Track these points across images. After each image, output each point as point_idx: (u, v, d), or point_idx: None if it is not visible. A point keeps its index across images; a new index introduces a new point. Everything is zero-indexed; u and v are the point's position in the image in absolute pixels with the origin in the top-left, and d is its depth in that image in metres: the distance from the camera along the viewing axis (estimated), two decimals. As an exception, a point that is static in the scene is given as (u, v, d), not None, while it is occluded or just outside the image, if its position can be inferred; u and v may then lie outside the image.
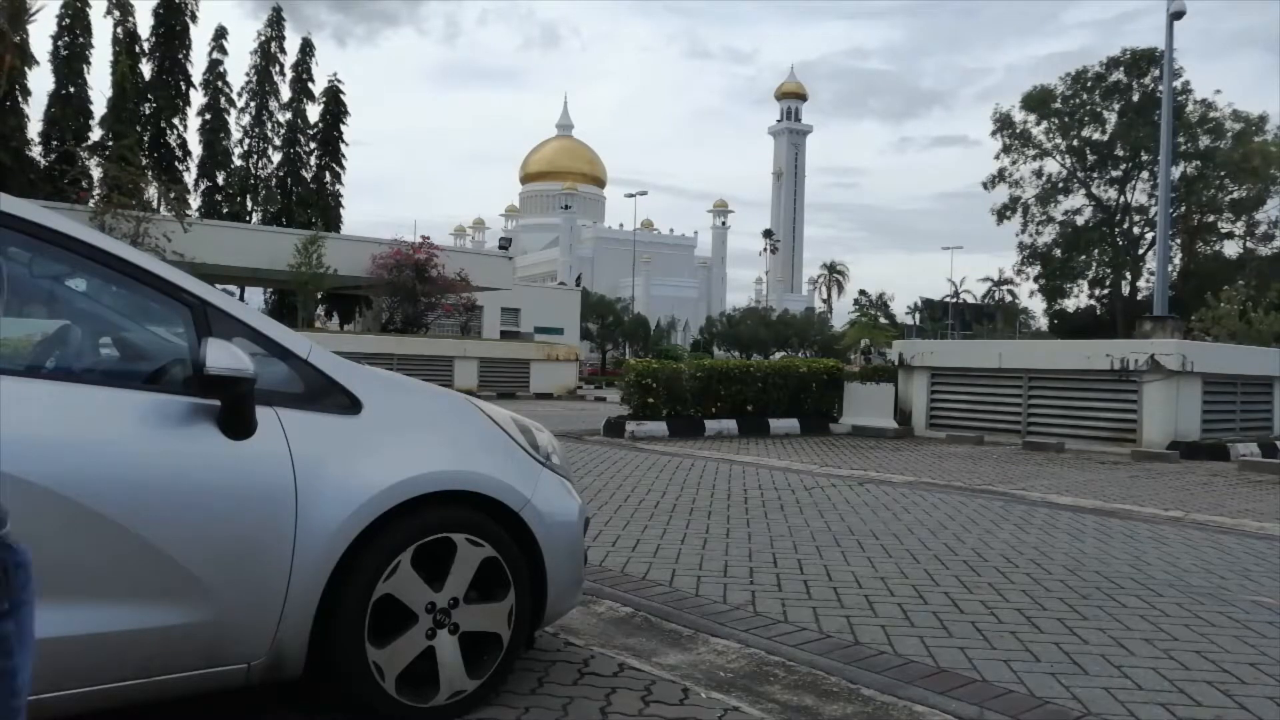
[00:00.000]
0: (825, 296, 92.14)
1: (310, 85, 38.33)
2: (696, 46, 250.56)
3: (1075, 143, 44.36)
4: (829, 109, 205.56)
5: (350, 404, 2.50)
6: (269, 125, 38.10)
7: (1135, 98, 42.53)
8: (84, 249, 2.26)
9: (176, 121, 35.69)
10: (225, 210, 35.93)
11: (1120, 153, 43.25)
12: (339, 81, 38.67)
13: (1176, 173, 39.67)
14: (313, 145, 38.27)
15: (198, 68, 36.42)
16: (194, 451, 2.22)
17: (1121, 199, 44.40)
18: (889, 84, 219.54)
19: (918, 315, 68.55)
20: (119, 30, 33.10)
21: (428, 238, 29.95)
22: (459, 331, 31.49)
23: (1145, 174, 42.32)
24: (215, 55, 37.02)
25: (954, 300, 67.09)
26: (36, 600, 2.01)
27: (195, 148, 36.42)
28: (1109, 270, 45.25)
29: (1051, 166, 45.27)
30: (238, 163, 37.60)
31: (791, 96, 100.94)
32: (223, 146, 36.90)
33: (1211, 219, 43.65)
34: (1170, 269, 35.67)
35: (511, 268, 34.72)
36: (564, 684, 2.90)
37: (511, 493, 2.69)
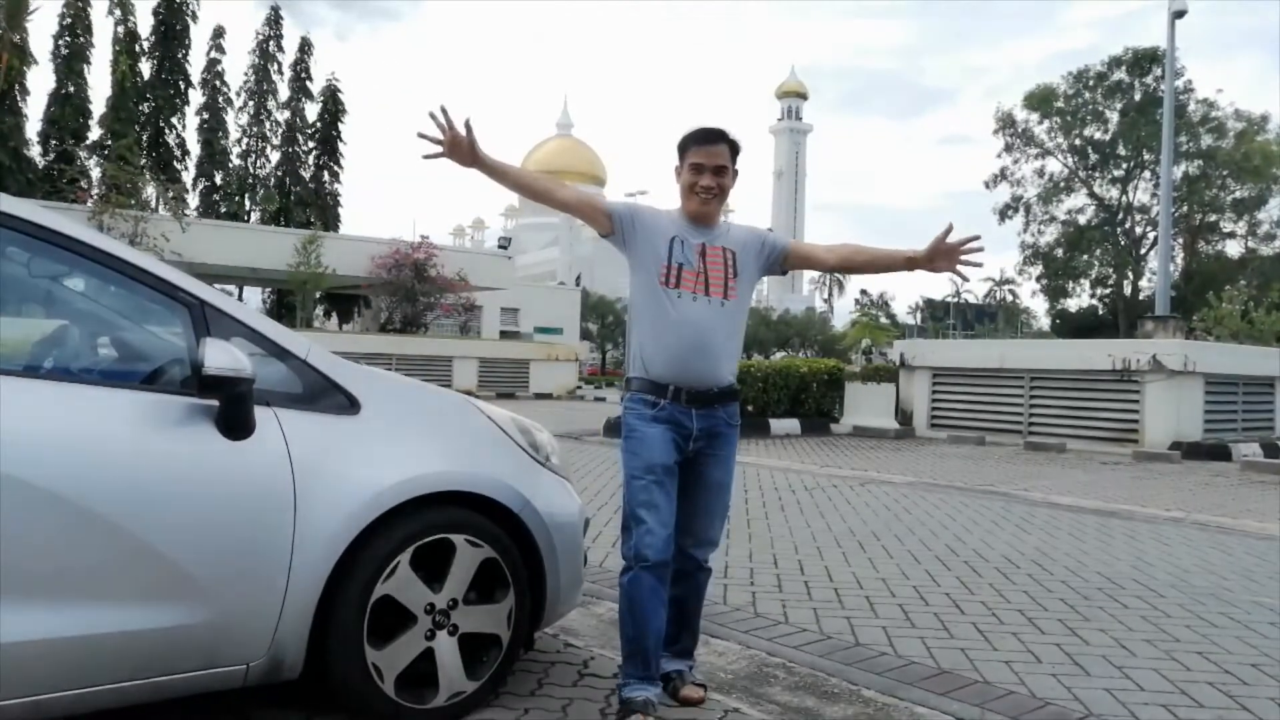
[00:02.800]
0: (826, 296, 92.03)
1: (309, 84, 38.32)
2: (700, 45, 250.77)
3: (1077, 142, 44.28)
4: (833, 107, 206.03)
5: (349, 404, 2.49)
6: (267, 124, 38.09)
7: (1137, 97, 42.44)
8: (83, 249, 2.25)
9: (175, 121, 35.69)
10: (223, 210, 35.92)
11: (1122, 152, 43.18)
12: (337, 80, 38.68)
13: (1178, 172, 39.60)
14: (311, 144, 38.25)
15: (196, 67, 36.45)
16: (192, 452, 2.22)
17: (1123, 198, 44.34)
18: (894, 82, 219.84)
19: (919, 315, 68.54)
20: (119, 30, 33.09)
21: (427, 237, 29.95)
22: (458, 331, 31.48)
23: (1147, 173, 42.25)
24: (214, 54, 37.03)
25: (955, 300, 67.03)
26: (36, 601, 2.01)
27: (194, 147, 36.42)
28: (1111, 270, 45.17)
29: (1053, 166, 45.23)
30: (236, 162, 37.59)
31: (792, 95, 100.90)
32: (221, 146, 36.89)
33: (1213, 219, 43.55)
34: (1172, 269, 35.64)
35: (511, 267, 34.71)
36: (563, 685, 2.89)
37: (511, 493, 2.68)
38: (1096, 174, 44.55)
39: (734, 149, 2.75)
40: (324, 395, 2.47)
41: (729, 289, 2.71)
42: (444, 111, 2.55)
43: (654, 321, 2.70)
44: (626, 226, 2.76)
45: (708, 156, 2.70)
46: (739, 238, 2.79)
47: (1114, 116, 43.27)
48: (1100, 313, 45.47)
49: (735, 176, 2.77)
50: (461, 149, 2.57)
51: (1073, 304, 47.71)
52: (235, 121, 37.72)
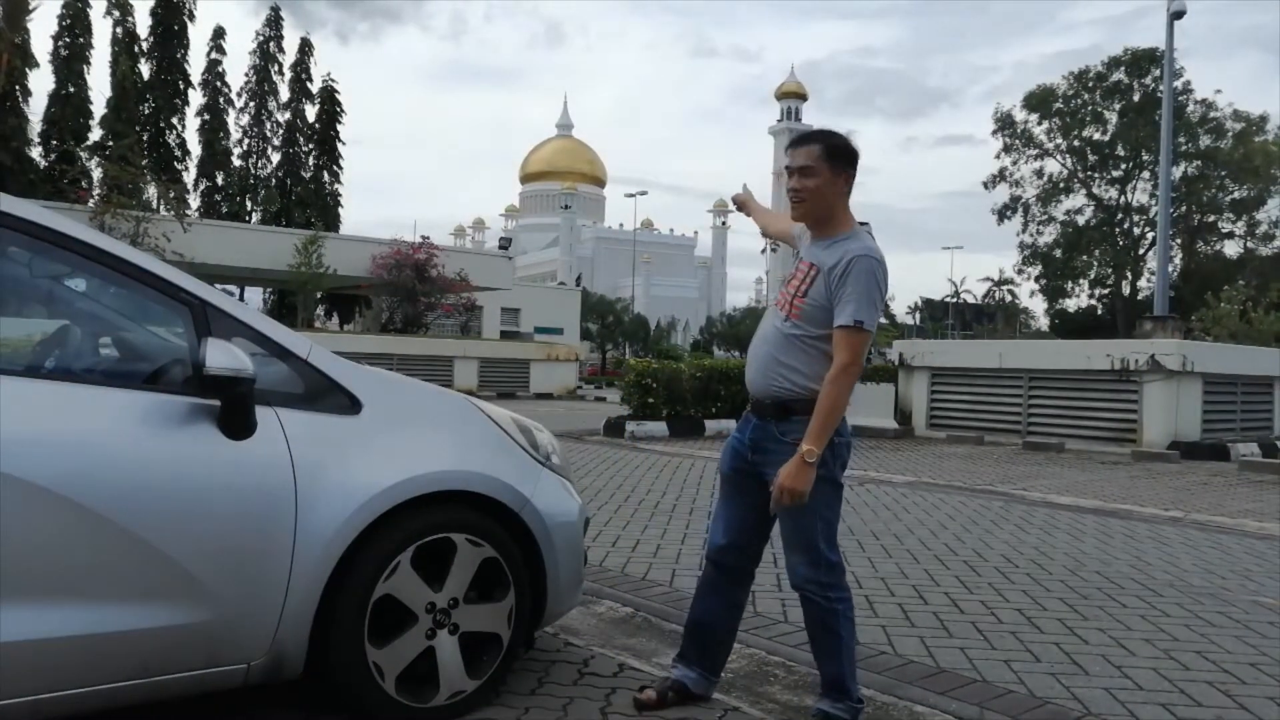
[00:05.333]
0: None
1: (309, 85, 38.38)
2: (701, 45, 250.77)
3: (1076, 142, 44.30)
4: (836, 107, 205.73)
5: (350, 404, 2.50)
6: (268, 125, 38.14)
7: (1136, 97, 42.47)
8: (84, 249, 2.26)
9: (175, 121, 35.71)
10: (224, 210, 35.96)
11: (1121, 152, 43.21)
12: (334, 81, 38.71)
13: (1177, 173, 39.61)
14: (311, 145, 38.28)
15: (196, 68, 36.49)
16: (193, 452, 2.22)
17: (1122, 199, 44.36)
18: (896, 82, 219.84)
19: (918, 315, 68.47)
20: (118, 30, 33.12)
21: (427, 237, 29.97)
22: (459, 331, 31.48)
23: (1146, 174, 42.27)
24: (214, 55, 37.06)
25: (954, 300, 66.99)
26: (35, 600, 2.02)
27: (194, 148, 36.48)
28: (1110, 270, 45.20)
29: (1052, 166, 45.28)
30: (237, 163, 37.63)
31: (792, 96, 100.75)
32: (222, 146, 36.92)
33: (1212, 219, 43.59)
34: (1171, 269, 35.64)
35: (511, 268, 34.70)
36: (564, 684, 2.90)
37: (511, 493, 2.69)
38: (1095, 174, 44.57)
39: (829, 149, 2.56)
40: (325, 395, 2.47)
41: (793, 306, 2.59)
42: (745, 187, 3.21)
43: None
44: (796, 243, 2.83)
45: (794, 157, 2.61)
46: (834, 254, 2.54)
47: (1113, 117, 43.29)
48: (1099, 313, 45.49)
49: (845, 180, 2.58)
50: (738, 202, 3.20)
51: (1071, 304, 47.76)
52: (236, 122, 37.77)
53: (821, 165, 2.56)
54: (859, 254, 2.50)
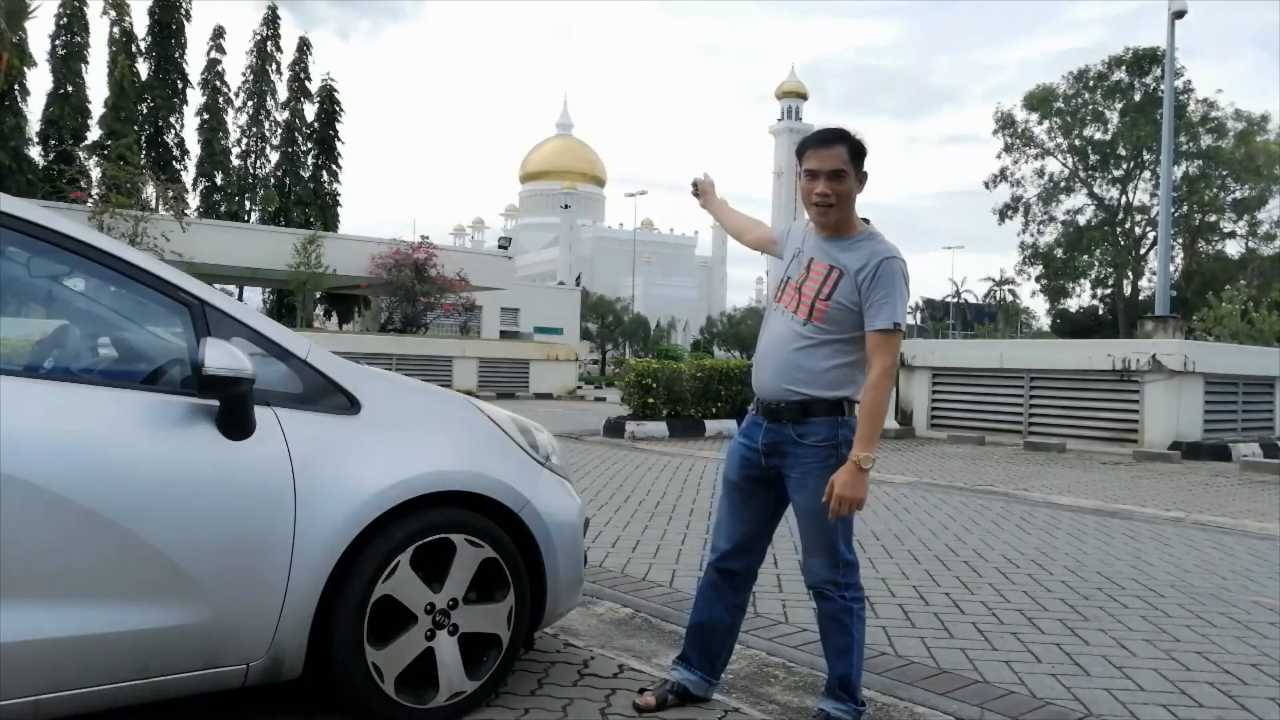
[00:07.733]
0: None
1: (308, 84, 38.36)
2: (703, 43, 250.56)
3: (1077, 142, 44.27)
4: (838, 106, 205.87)
5: (349, 404, 2.50)
6: (266, 125, 38.13)
7: (1137, 97, 42.43)
8: (83, 249, 2.25)
9: (174, 121, 35.71)
10: (223, 210, 35.96)
11: (1122, 152, 43.17)
12: (333, 81, 38.68)
13: (1178, 172, 39.57)
14: (310, 145, 38.27)
15: (195, 67, 36.49)
16: (192, 452, 2.22)
17: (1123, 198, 44.32)
18: (900, 81, 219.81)
19: (919, 315, 68.48)
20: (115, 30, 33.10)
21: (427, 237, 29.97)
22: (458, 331, 31.47)
23: (1147, 173, 42.23)
24: (213, 55, 37.05)
25: (955, 300, 67.03)
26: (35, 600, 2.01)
27: (193, 147, 36.47)
28: (1111, 270, 45.15)
29: (1053, 166, 45.23)
30: (235, 162, 37.62)
31: (792, 95, 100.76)
32: (221, 146, 36.91)
33: (1213, 219, 43.56)
34: (1172, 269, 35.65)
35: (511, 267, 34.70)
36: (564, 685, 2.89)
37: (511, 493, 2.69)
38: (1096, 174, 44.52)
39: (855, 150, 2.52)
40: (324, 395, 2.47)
41: (814, 309, 2.53)
42: (706, 175, 3.09)
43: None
44: (779, 247, 2.77)
45: (821, 161, 2.51)
46: (858, 256, 2.52)
47: (1114, 117, 43.23)
48: (1100, 313, 45.44)
49: (863, 180, 2.56)
50: (700, 191, 3.07)
51: (1073, 304, 47.70)
52: (234, 122, 37.76)
53: (849, 167, 2.52)
54: (887, 256, 2.50)
